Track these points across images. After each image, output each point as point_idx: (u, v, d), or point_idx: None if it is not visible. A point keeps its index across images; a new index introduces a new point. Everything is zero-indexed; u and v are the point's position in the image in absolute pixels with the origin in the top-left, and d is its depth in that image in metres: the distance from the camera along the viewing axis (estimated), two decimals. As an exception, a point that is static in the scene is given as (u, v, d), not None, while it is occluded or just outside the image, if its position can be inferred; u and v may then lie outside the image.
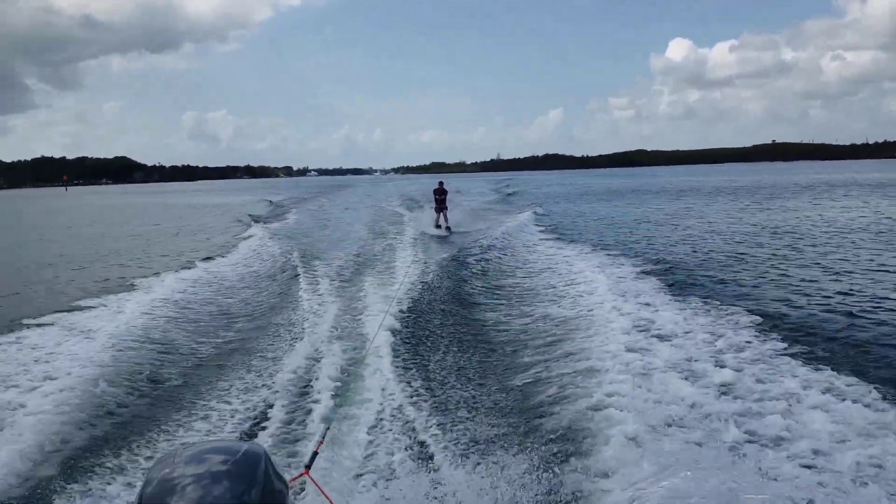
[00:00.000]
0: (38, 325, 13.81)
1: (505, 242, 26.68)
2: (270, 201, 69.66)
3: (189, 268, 22.54)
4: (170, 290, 17.94)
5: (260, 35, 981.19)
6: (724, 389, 8.81)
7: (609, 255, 22.00)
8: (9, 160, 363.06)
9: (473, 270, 20.08)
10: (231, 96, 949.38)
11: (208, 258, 25.34)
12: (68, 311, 15.27)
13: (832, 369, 9.29)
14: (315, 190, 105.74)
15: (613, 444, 7.07)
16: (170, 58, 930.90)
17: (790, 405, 8.22)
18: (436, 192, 33.70)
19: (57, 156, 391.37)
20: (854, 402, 8.11)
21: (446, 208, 33.08)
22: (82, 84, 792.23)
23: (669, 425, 7.58)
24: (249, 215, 48.09)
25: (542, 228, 33.06)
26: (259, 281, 20.14)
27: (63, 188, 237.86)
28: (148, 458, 7.48)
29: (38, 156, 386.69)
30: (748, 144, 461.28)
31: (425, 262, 21.35)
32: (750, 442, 7.20)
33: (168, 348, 12.21)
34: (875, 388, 8.58)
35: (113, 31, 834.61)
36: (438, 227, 32.28)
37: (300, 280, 18.87)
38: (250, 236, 33.68)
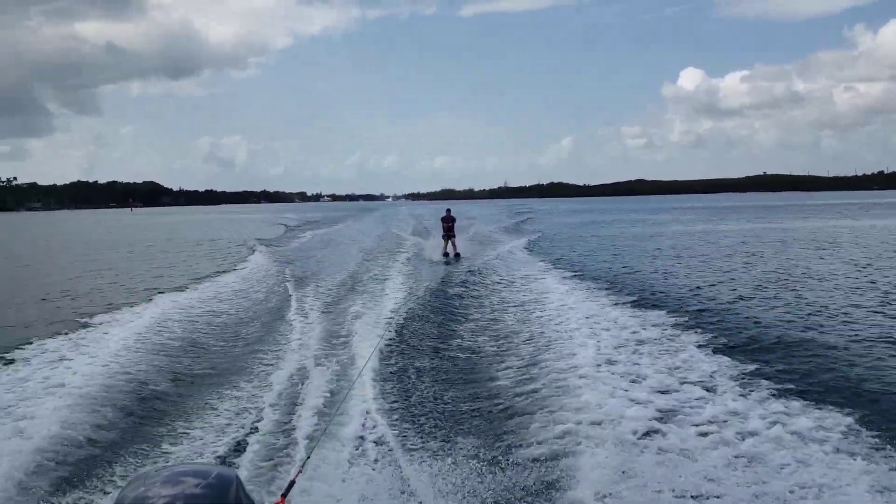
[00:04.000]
0: (28, 346, 13.78)
1: (494, 267, 27.04)
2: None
3: (188, 287, 22.94)
4: (167, 309, 18.02)
5: (278, 62, 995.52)
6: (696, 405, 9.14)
7: (587, 279, 22.65)
8: (43, 183, 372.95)
9: (462, 296, 19.93)
10: (247, 122, 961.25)
11: (212, 275, 26.20)
12: (61, 333, 15.13)
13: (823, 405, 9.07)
14: (354, 211, 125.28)
15: (587, 468, 7.10)
16: (189, 84, 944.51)
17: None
18: (443, 219, 32.49)
19: (74, 178, 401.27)
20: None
21: (454, 236, 32.04)
22: (102, 109, 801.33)
23: (639, 444, 7.76)
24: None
25: (532, 253, 34.02)
26: (256, 301, 20.20)
27: (129, 210, 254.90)
28: (122, 478, 7.36)
29: (75, 179, 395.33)
30: (752, 174, 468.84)
31: (417, 288, 21.05)
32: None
33: (152, 369, 12.00)
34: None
35: (134, 58, 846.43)
36: (446, 254, 31.13)
37: (291, 302, 18.85)
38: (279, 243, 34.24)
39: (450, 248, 31.46)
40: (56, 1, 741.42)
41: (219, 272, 27.76)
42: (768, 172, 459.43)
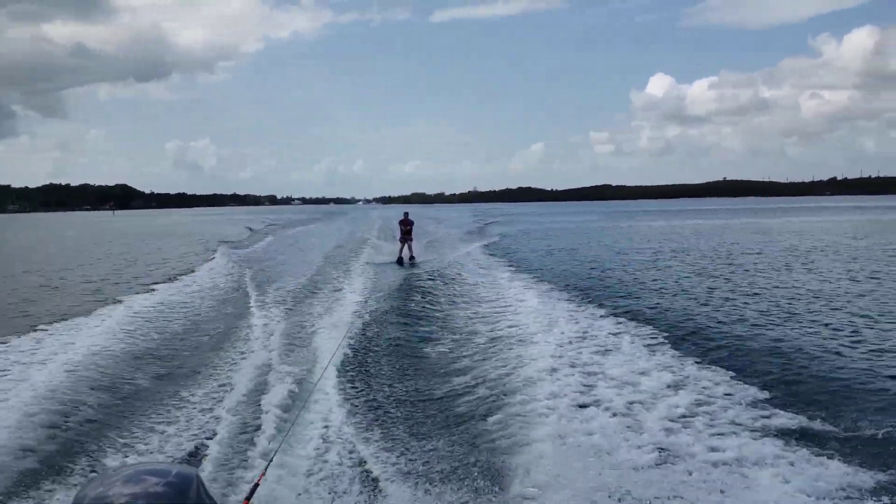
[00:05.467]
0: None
1: (454, 270, 26.81)
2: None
3: (152, 289, 22.81)
4: (132, 309, 18.20)
5: (247, 67, 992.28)
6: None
7: (543, 280, 23.23)
8: (9, 185, 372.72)
9: (421, 298, 20.02)
10: (217, 126, 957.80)
11: (176, 276, 26.25)
12: (25, 333, 15.01)
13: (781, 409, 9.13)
14: (327, 214, 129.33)
15: (544, 467, 7.15)
16: (158, 88, 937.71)
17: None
18: (401, 223, 31.35)
19: (40, 180, 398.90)
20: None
21: (412, 239, 31.15)
22: (69, 112, 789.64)
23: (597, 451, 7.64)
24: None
25: (491, 255, 34.24)
26: (219, 301, 20.22)
27: (111, 212, 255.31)
28: (81, 477, 7.34)
29: (42, 182, 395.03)
30: (710, 180, 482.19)
31: (378, 289, 21.23)
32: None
33: (113, 369, 11.92)
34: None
35: (103, 61, 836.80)
36: (400, 259, 30.15)
37: (253, 304, 18.82)
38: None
39: (405, 252, 30.70)
40: (23, 2, 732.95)
41: (183, 272, 27.85)
42: (730, 178, 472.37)
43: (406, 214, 31.88)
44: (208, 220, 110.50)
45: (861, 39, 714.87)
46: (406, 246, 30.81)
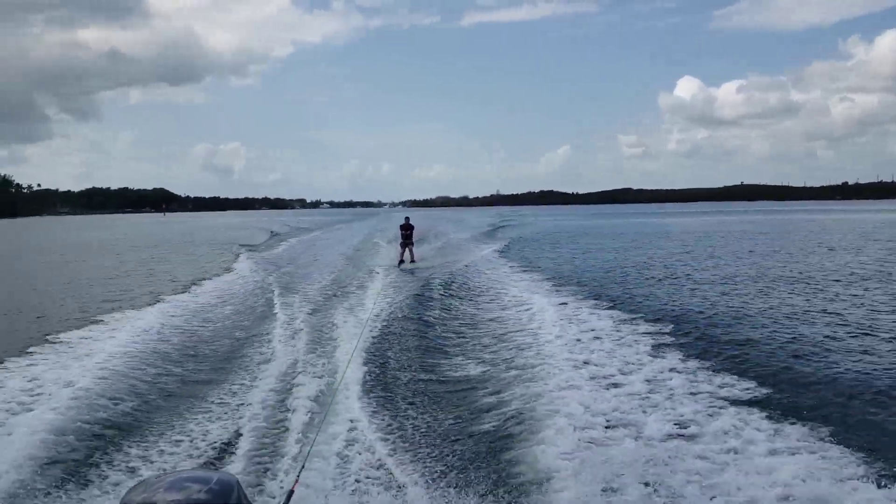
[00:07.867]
0: (26, 352, 13.89)
1: (469, 274, 27.50)
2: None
3: (182, 291, 23.37)
4: (161, 313, 18.48)
5: (278, 70, 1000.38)
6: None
7: (557, 282, 23.77)
8: (63, 189, 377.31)
9: (439, 301, 20.35)
10: (247, 129, 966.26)
11: (204, 279, 26.64)
12: (50, 341, 14.93)
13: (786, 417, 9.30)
14: (361, 216, 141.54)
15: (563, 474, 7.30)
16: (190, 91, 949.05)
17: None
18: (402, 227, 31.97)
19: (76, 182, 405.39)
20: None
21: (412, 244, 31.94)
22: (103, 115, 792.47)
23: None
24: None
25: (504, 258, 34.65)
26: (241, 305, 20.66)
27: (162, 214, 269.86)
28: (115, 484, 7.48)
29: (71, 185, 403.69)
30: (732, 183, 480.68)
31: (394, 293, 21.62)
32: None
33: (144, 377, 12.02)
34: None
35: (137, 65, 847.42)
36: (401, 262, 30.88)
37: (276, 307, 19.30)
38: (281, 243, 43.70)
39: (406, 256, 31.63)
40: (58, 9, 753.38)
41: (212, 275, 28.45)
42: (748, 183, 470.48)
43: (407, 219, 33.18)
44: (260, 220, 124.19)
45: (892, 42, 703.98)
46: (407, 250, 32.25)
